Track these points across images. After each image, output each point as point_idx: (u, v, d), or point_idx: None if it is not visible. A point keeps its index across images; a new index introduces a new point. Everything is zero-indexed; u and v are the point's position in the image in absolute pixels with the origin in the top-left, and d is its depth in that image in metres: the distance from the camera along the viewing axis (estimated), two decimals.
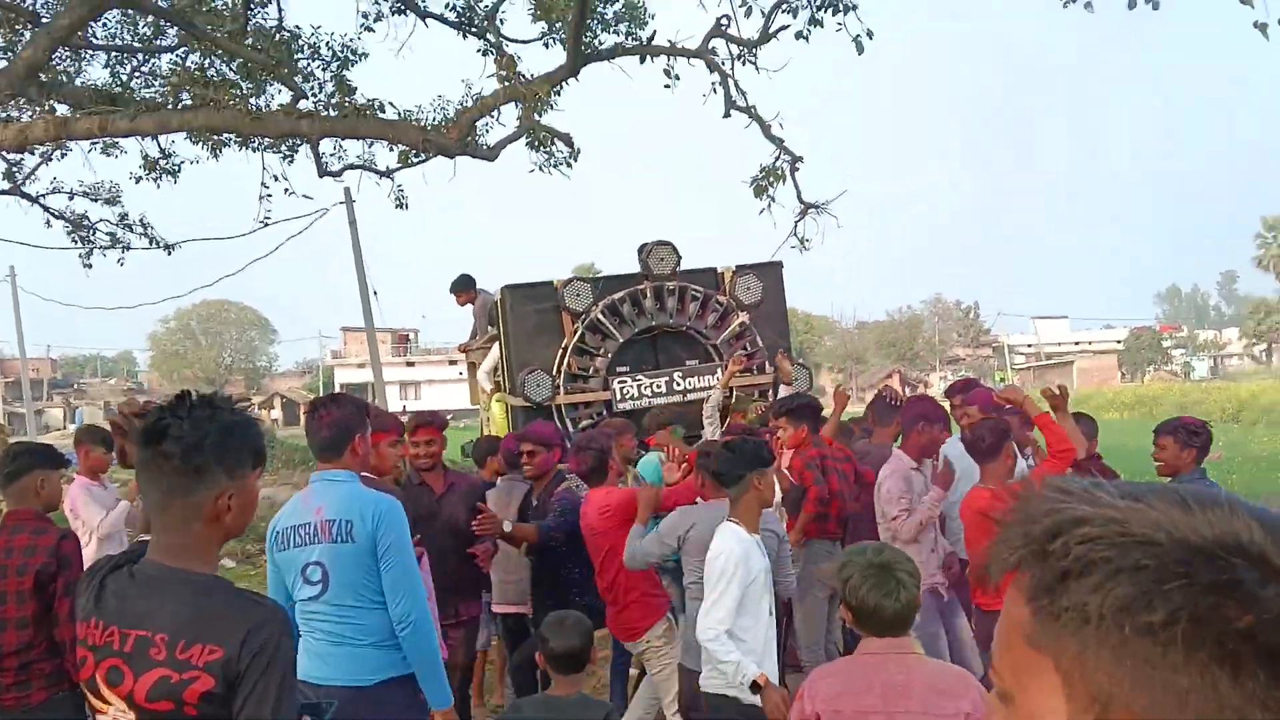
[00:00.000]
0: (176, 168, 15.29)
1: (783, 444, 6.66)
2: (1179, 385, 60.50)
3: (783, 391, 8.38)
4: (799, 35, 12.05)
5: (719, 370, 8.49)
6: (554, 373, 8.35)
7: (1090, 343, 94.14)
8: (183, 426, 2.31)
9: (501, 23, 12.98)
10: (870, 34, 11.88)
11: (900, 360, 79.25)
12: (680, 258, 8.66)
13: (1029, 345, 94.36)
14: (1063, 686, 0.90)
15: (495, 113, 12.96)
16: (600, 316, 8.46)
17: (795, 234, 14.05)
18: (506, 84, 12.22)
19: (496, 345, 9.40)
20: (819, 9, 11.73)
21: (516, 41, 13.24)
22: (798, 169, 13.91)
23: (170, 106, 12.30)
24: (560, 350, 8.44)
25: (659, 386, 8.47)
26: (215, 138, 13.74)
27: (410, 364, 77.66)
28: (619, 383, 8.45)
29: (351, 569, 3.77)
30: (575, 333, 8.43)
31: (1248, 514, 0.87)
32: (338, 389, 74.13)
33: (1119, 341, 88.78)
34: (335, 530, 3.76)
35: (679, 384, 8.51)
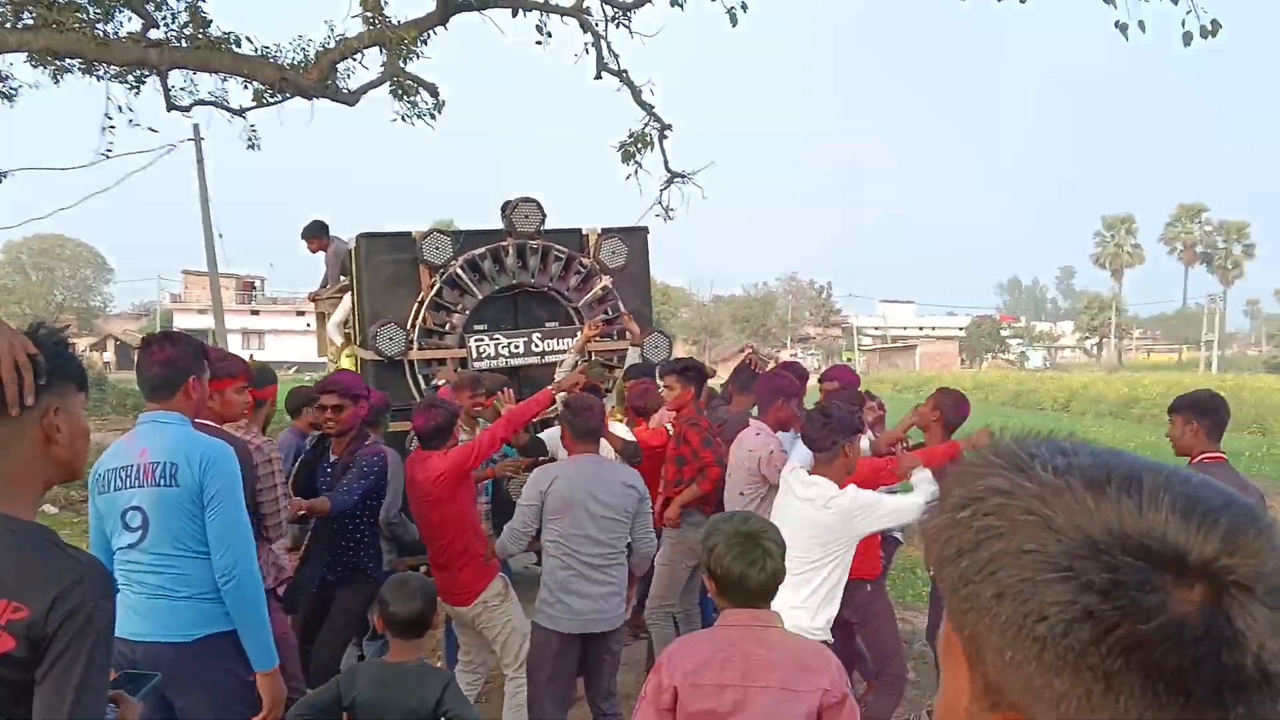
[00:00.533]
0: (13, 91, 14.38)
1: (667, 403, 6.76)
2: (1015, 373, 62.97)
3: (631, 354, 8.33)
4: (674, 2, 11.98)
5: (578, 333, 8.36)
6: (408, 327, 8.09)
7: (934, 328, 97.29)
8: None
9: None
10: (745, 6, 11.89)
11: (754, 336, 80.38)
12: (545, 216, 8.46)
13: (876, 328, 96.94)
14: (966, 668, 0.84)
15: (359, 56, 12.54)
16: (459, 271, 8.21)
17: (660, 202, 14.03)
18: (372, 27, 11.82)
19: (348, 296, 9.09)
20: None
21: None
22: (666, 137, 13.87)
23: (9, 25, 11.54)
24: (416, 304, 8.17)
25: (517, 346, 8.28)
26: (57, 62, 12.93)
27: (255, 312, 75.57)
28: (476, 340, 8.22)
29: (173, 515, 3.53)
30: (433, 287, 8.16)
31: (1184, 504, 0.78)
32: None
33: (961, 329, 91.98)
34: (158, 473, 3.51)
35: (538, 345, 8.33)
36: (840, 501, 4.64)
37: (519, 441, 6.35)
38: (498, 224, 8.47)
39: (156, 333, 3.92)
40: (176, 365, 3.67)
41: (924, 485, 4.94)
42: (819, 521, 4.64)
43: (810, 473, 4.85)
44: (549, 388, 5.82)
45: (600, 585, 5.09)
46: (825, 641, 4.53)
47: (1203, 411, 4.94)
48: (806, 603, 4.58)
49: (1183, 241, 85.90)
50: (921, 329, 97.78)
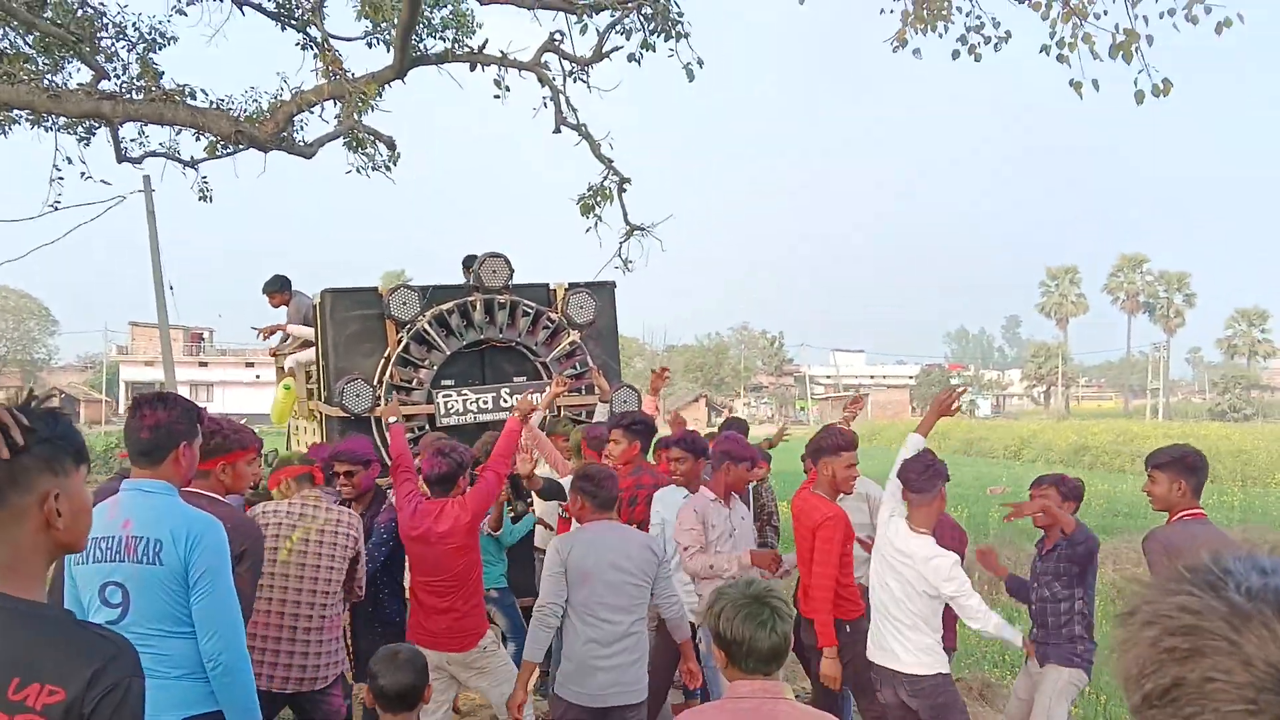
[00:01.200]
0: None
1: (613, 458, 6.57)
2: (965, 422, 63.47)
3: (599, 410, 8.21)
4: (631, 58, 12.02)
5: (547, 388, 8.27)
6: (375, 383, 7.96)
7: (885, 377, 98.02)
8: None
9: (324, 17, 12.45)
10: (700, 62, 11.95)
11: (707, 385, 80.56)
12: (513, 271, 8.41)
13: (828, 376, 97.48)
14: None
15: (318, 109, 12.46)
16: (427, 327, 8.11)
17: (620, 254, 13.98)
18: (330, 80, 11.75)
19: (310, 350, 8.96)
20: (652, 34, 11.75)
21: (338, 38, 12.78)
22: (625, 189, 13.85)
23: None
24: (383, 360, 8.05)
25: (485, 402, 8.17)
26: (5, 113, 12.73)
27: (203, 364, 74.66)
28: (444, 396, 8.11)
29: (157, 595, 3.31)
30: (400, 342, 8.06)
31: None
32: (123, 386, 70.84)
33: (911, 377, 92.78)
34: (141, 549, 3.29)
35: (506, 400, 8.23)
36: (939, 565, 5.07)
37: (535, 486, 6.44)
38: (459, 276, 8.40)
39: (149, 394, 3.66)
40: (168, 431, 3.47)
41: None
42: (919, 575, 5.10)
43: (909, 513, 5.27)
44: (513, 415, 5.76)
45: (620, 656, 4.95)
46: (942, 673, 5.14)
47: (1189, 470, 4.96)
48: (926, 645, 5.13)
49: (1125, 291, 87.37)
50: (873, 377, 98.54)
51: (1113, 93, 9.59)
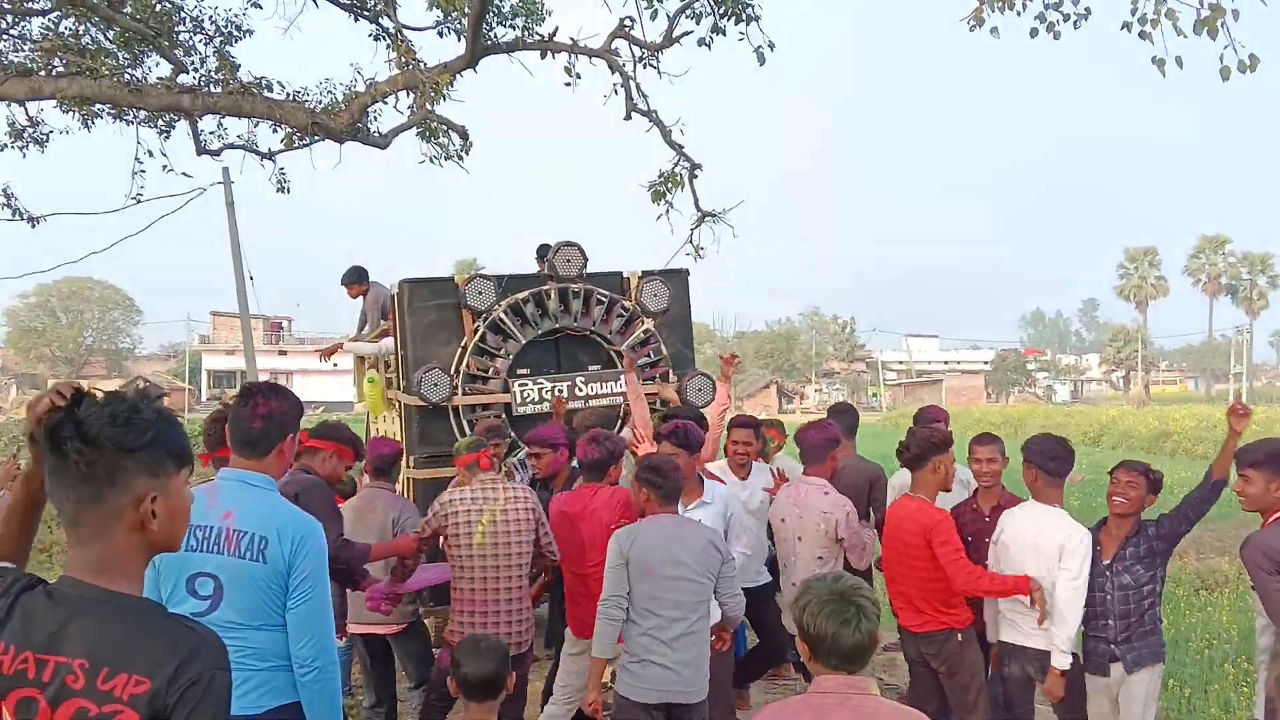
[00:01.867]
0: (45, 137, 14.46)
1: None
2: (1042, 407, 62.55)
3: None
4: (701, 42, 11.95)
5: (621, 376, 8.28)
6: (452, 372, 8.02)
7: (959, 362, 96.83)
8: (88, 424, 1.97)
9: (396, 7, 12.53)
10: (772, 45, 11.85)
11: (777, 371, 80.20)
12: (587, 260, 8.42)
13: (900, 362, 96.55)
14: None
15: (393, 99, 12.55)
16: (502, 316, 8.16)
17: (691, 241, 13.93)
18: (404, 70, 11.83)
19: (387, 340, 9.06)
20: (722, 17, 11.65)
21: (410, 28, 12.82)
22: (696, 176, 13.79)
23: (42, 73, 11.60)
24: (459, 349, 8.12)
25: (560, 391, 8.19)
26: (88, 108, 13.00)
27: (283, 353, 75.93)
28: (519, 385, 8.15)
29: (253, 591, 3.28)
30: (476, 332, 8.11)
31: None
32: (205, 375, 72.32)
33: (986, 363, 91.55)
34: (245, 545, 3.26)
35: (581, 389, 8.25)
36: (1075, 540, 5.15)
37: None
38: (530, 266, 8.42)
39: (259, 383, 3.67)
40: (280, 421, 3.46)
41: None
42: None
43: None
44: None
45: (680, 653, 4.89)
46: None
47: None
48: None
49: (1207, 273, 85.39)
50: (946, 363, 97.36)
51: (1196, 69, 9.34)
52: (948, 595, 5.33)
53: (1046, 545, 5.14)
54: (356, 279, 10.16)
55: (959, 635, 5.34)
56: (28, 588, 2.02)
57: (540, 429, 6.85)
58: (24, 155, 14.40)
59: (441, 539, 5.56)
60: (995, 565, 5.40)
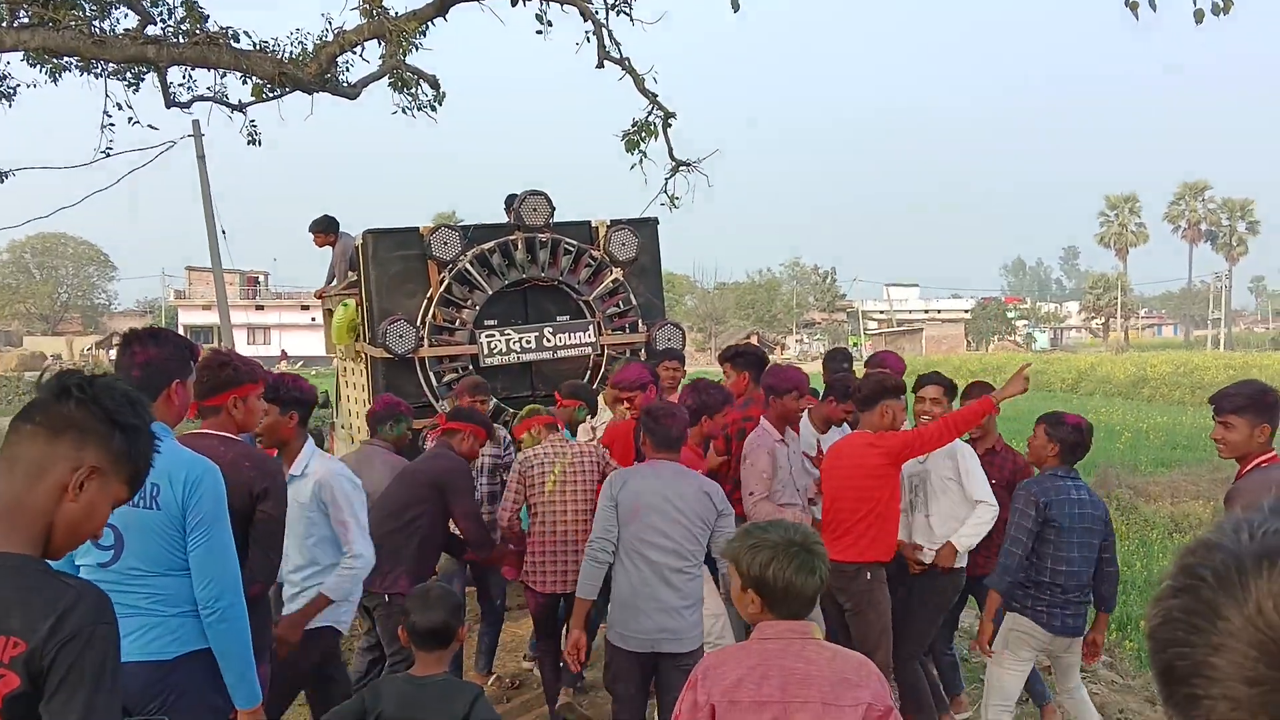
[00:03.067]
0: (12, 91, 14.25)
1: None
2: (1022, 355, 62.80)
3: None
4: None
5: (590, 326, 8.25)
6: (418, 324, 7.98)
7: (939, 311, 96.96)
8: (99, 384, 2.04)
9: None
10: None
11: (759, 322, 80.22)
12: (554, 209, 8.36)
13: (882, 311, 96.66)
14: None
15: (359, 49, 12.39)
16: (469, 267, 8.10)
17: (665, 191, 13.85)
18: (371, 19, 11.68)
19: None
20: None
21: None
22: (670, 125, 13.68)
23: (5, 25, 11.40)
24: (425, 300, 8.07)
25: (528, 342, 8.16)
26: (54, 60, 12.80)
27: (259, 307, 75.50)
28: (486, 336, 8.12)
29: (151, 538, 3.23)
30: (442, 283, 8.06)
31: None
32: (182, 330, 71.99)
33: (966, 311, 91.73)
34: (138, 493, 3.25)
35: (549, 340, 8.21)
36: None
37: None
38: (503, 217, 8.36)
39: (138, 329, 3.56)
40: (159, 367, 3.36)
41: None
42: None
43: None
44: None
45: (670, 599, 4.80)
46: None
47: (1269, 411, 4.40)
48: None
49: (1187, 220, 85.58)
50: (927, 312, 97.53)
51: (1172, 11, 9.30)
52: (878, 527, 5.44)
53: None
54: (324, 228, 10.08)
55: (868, 573, 5.38)
56: None
57: (623, 371, 6.83)
58: None
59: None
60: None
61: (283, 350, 54.73)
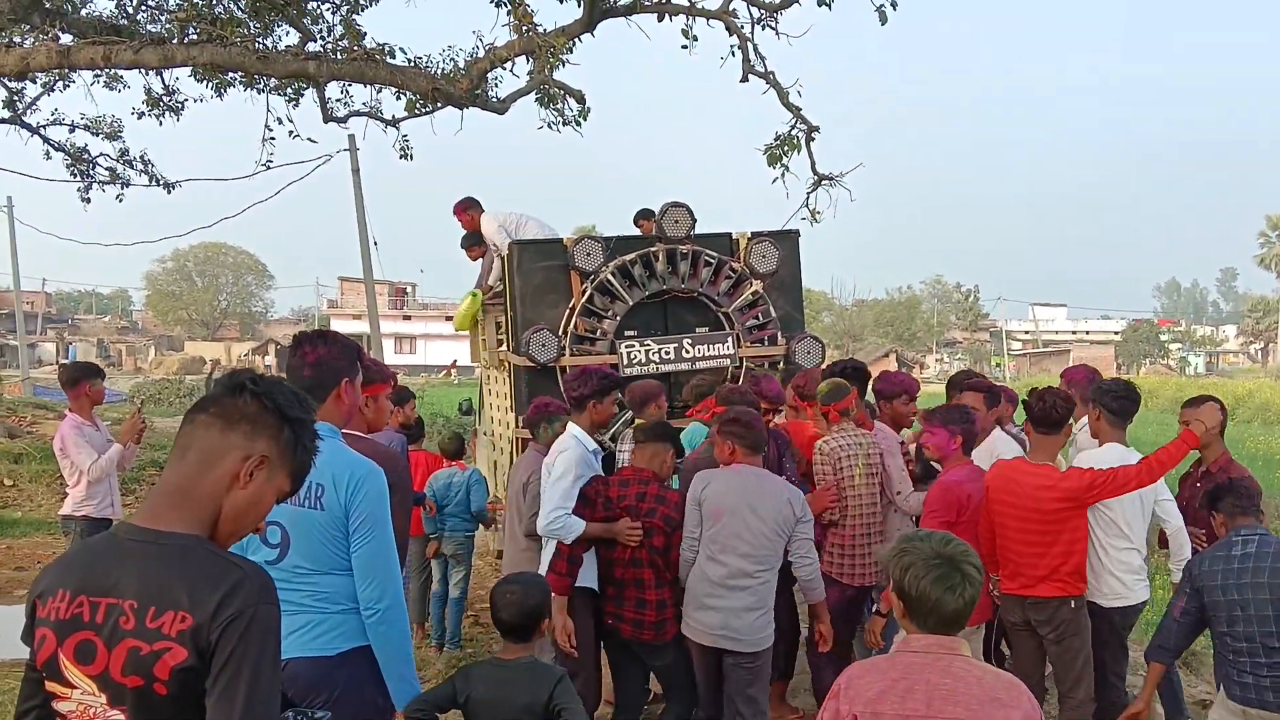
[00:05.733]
0: (180, 105, 15.02)
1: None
2: (1175, 379, 60.50)
3: None
4: (821, 2, 11.79)
5: (729, 338, 8.28)
6: (560, 333, 8.13)
7: (1088, 332, 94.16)
8: (269, 382, 2.21)
9: None
10: (894, 4, 11.67)
11: (897, 340, 79.02)
12: (695, 221, 8.42)
13: (1027, 332, 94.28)
14: None
15: (509, 65, 12.68)
16: (610, 277, 8.22)
17: (807, 205, 13.80)
18: (522, 35, 11.94)
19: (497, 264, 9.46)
20: None
21: None
22: (814, 138, 13.64)
23: (175, 41, 12.02)
24: (567, 310, 8.21)
25: (667, 353, 8.22)
26: (220, 76, 13.44)
27: (407, 317, 77.47)
28: (626, 347, 8.21)
29: (315, 538, 3.30)
30: (584, 293, 8.19)
31: None
32: None
33: (1116, 333, 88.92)
34: (304, 493, 3.19)
35: (688, 351, 8.25)
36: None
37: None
38: (637, 230, 8.44)
39: (309, 331, 3.66)
40: (331, 367, 3.46)
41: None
42: None
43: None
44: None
45: (735, 599, 4.95)
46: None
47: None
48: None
49: None
50: (1075, 333, 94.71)
51: None
52: (1068, 562, 5.20)
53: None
54: (475, 243, 10.21)
55: (1072, 603, 5.21)
56: (95, 531, 2.18)
57: (770, 384, 6.78)
58: (160, 123, 15.04)
59: None
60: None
61: (454, 360, 56.11)
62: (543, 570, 5.35)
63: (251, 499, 2.16)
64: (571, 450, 5.40)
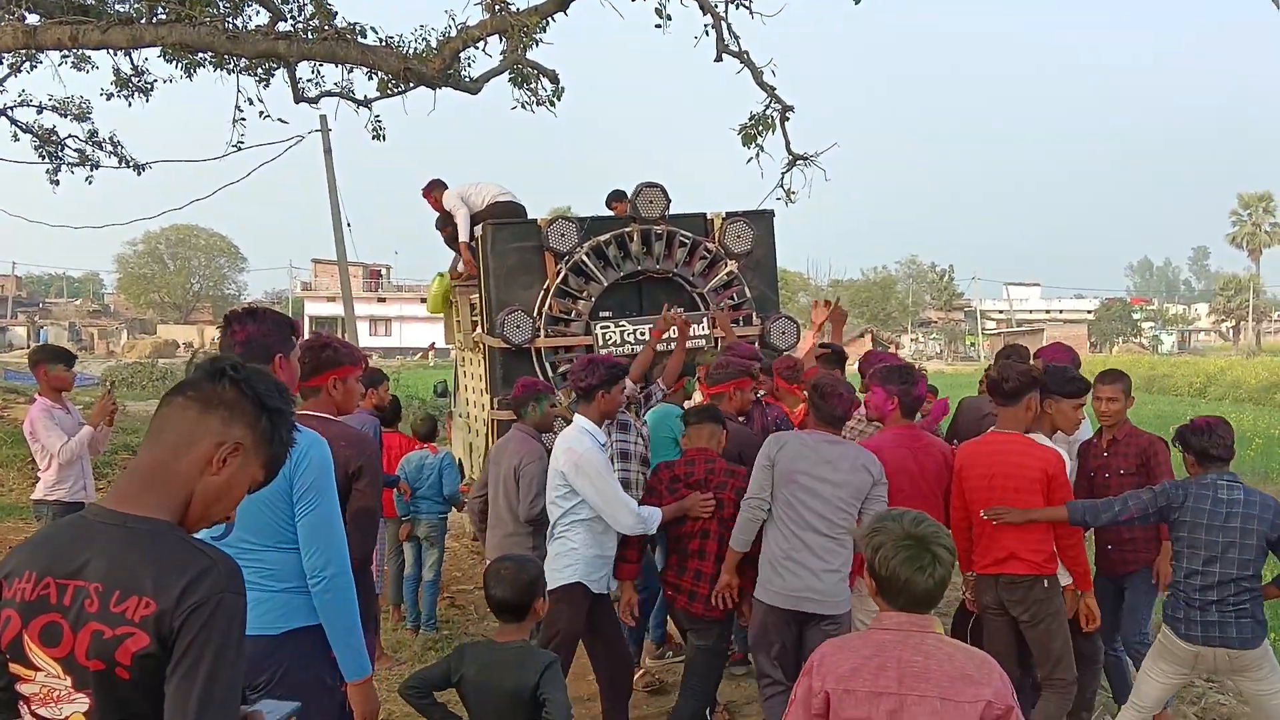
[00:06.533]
0: (149, 86, 14.88)
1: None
2: (1147, 357, 60.99)
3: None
4: None
5: (705, 319, 8.28)
6: (535, 315, 8.11)
7: (1061, 311, 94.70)
8: (250, 369, 2.18)
9: None
10: None
11: (873, 321, 79.24)
12: (670, 201, 8.41)
13: (1001, 311, 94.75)
14: None
15: (482, 45, 12.61)
16: (585, 258, 8.21)
17: (782, 185, 13.80)
18: (495, 15, 11.87)
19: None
20: None
21: None
22: (788, 118, 13.63)
23: (143, 20, 11.89)
24: (542, 291, 8.19)
25: (642, 333, 8.22)
26: (189, 56, 13.31)
27: (381, 299, 77.15)
28: (601, 328, 8.21)
29: (259, 511, 3.25)
30: (558, 274, 8.18)
31: None
32: (307, 321, 74.11)
33: (1090, 312, 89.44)
34: None
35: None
36: None
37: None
38: (606, 212, 8.44)
39: (237, 310, 3.61)
40: (261, 343, 3.41)
41: None
42: None
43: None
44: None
45: (818, 561, 4.94)
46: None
47: None
48: None
49: None
50: (1048, 312, 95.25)
51: None
52: (1046, 538, 5.10)
53: None
54: (444, 224, 10.20)
55: (1045, 581, 5.10)
56: (65, 514, 2.15)
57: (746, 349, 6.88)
58: (129, 104, 14.89)
59: None
60: None
61: (432, 343, 55.87)
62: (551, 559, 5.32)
63: (224, 486, 2.13)
64: (591, 448, 5.28)
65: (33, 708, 2.02)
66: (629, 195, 8.56)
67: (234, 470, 2.13)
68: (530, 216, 9.27)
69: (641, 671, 6.61)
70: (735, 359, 6.40)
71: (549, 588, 5.02)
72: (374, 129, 14.48)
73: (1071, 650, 5.18)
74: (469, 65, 13.21)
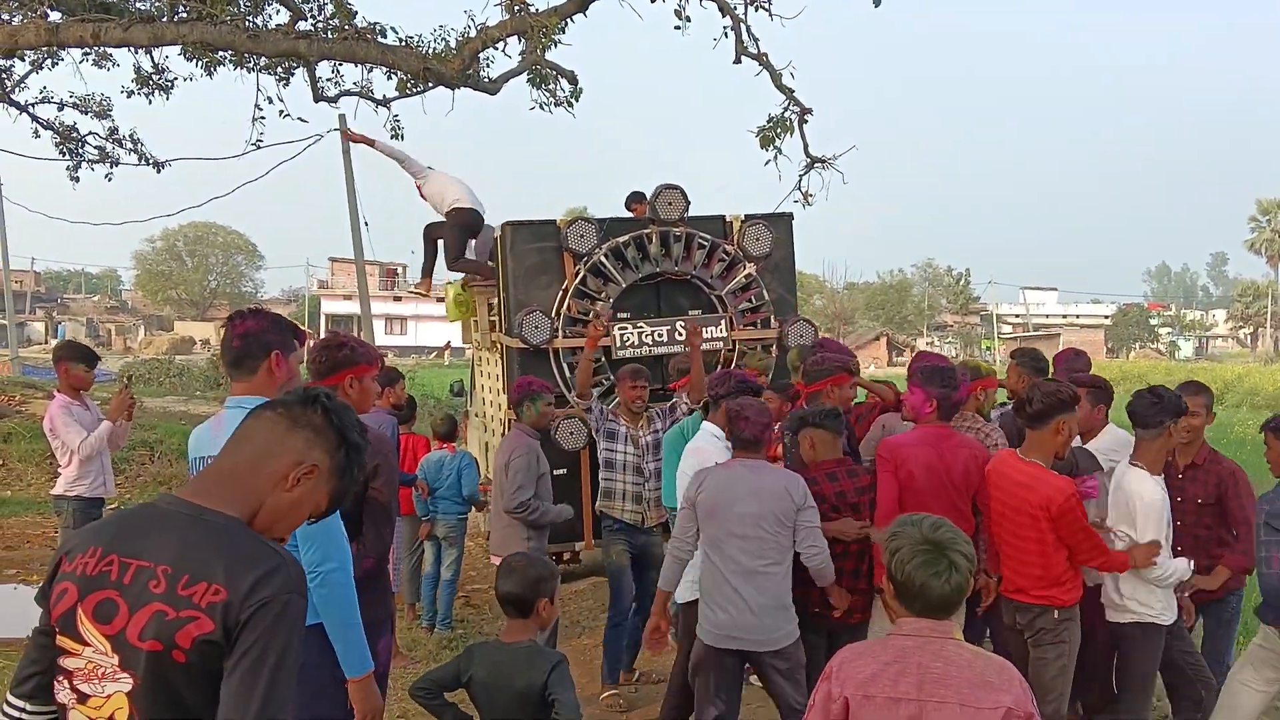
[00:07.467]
0: (169, 84, 14.92)
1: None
2: (1164, 363, 60.74)
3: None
4: None
5: (723, 321, 8.29)
6: (553, 315, 8.12)
7: (1078, 316, 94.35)
8: (339, 405, 2.28)
9: None
10: None
11: (888, 324, 79.10)
12: (689, 203, 8.41)
13: (1017, 315, 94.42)
14: None
15: (501, 45, 12.62)
16: (603, 259, 8.22)
17: (799, 188, 13.77)
18: (514, 15, 11.88)
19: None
20: None
21: None
22: (806, 121, 13.59)
23: (165, 19, 11.93)
24: (560, 292, 8.20)
25: (660, 335, 8.23)
26: (210, 54, 13.35)
27: (398, 298, 77.20)
28: (619, 329, 8.21)
29: None
30: (577, 275, 8.19)
31: None
32: (324, 319, 74.34)
33: (1106, 317, 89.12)
34: None
35: (681, 333, 8.26)
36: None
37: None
38: (629, 214, 8.45)
39: (241, 309, 3.67)
40: (259, 339, 3.44)
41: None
42: None
43: (1135, 449, 4.97)
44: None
45: (747, 594, 4.80)
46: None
47: None
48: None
49: None
50: (1065, 317, 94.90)
51: None
52: (1052, 571, 4.77)
53: None
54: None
55: (1055, 613, 4.78)
56: (89, 511, 2.20)
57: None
58: (149, 102, 14.94)
59: None
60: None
61: (448, 342, 55.97)
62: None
63: (293, 503, 2.18)
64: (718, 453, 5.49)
65: (74, 682, 2.05)
66: (648, 197, 8.56)
67: (305, 490, 2.19)
68: (549, 218, 9.27)
69: (611, 691, 6.61)
70: (830, 355, 6.21)
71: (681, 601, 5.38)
72: (393, 128, 14.50)
73: (1069, 689, 4.94)
74: (488, 65, 13.21)
